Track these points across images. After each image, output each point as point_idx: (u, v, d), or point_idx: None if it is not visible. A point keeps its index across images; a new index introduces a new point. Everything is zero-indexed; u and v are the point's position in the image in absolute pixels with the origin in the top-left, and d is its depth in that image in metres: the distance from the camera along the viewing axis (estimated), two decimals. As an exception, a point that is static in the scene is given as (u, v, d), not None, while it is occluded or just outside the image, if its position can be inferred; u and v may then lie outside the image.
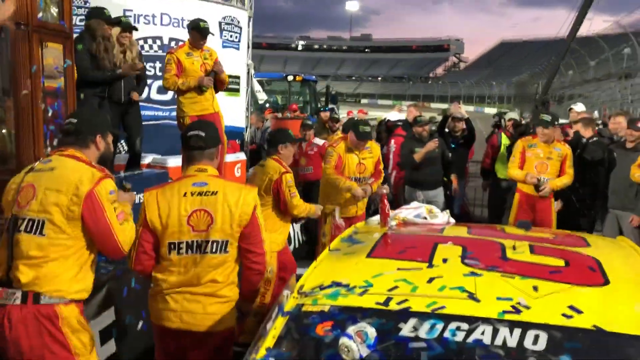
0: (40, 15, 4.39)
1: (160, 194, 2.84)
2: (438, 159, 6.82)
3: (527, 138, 6.06)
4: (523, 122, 10.54)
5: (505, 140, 7.82)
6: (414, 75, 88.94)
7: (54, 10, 4.64)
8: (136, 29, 5.63)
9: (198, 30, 5.53)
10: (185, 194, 2.79)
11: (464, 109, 7.97)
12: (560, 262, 2.44)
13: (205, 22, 5.69)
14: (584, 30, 12.61)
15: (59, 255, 2.60)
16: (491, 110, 33.13)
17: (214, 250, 2.79)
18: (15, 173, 4.19)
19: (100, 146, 2.86)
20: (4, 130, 4.47)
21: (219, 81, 5.71)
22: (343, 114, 14.22)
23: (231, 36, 8.37)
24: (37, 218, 2.60)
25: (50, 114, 4.60)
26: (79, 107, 4.44)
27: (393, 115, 9.18)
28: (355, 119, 9.20)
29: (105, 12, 5.29)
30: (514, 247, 2.61)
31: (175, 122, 5.82)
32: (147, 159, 6.39)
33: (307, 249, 6.75)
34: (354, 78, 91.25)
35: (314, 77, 18.85)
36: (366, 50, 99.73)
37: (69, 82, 4.72)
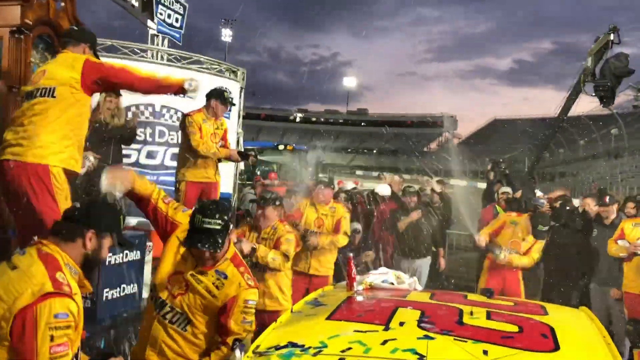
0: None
1: None
2: (423, 229, 6.95)
3: (512, 215, 6.21)
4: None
5: (501, 212, 7.93)
6: (408, 149, 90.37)
7: (46, 75, 4.85)
8: (119, 94, 5.73)
9: (223, 100, 5.57)
10: None
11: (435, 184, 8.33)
12: (514, 328, 2.48)
13: (229, 92, 5.81)
14: (573, 110, 13.08)
15: None
16: (483, 185, 33.66)
17: None
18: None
19: (89, 246, 2.44)
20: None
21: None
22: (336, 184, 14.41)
23: (222, 106, 8.63)
24: None
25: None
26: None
27: (383, 189, 9.35)
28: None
29: None
30: (471, 313, 2.65)
31: (163, 187, 5.92)
32: (133, 221, 6.45)
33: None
34: (349, 150, 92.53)
35: (304, 146, 19.25)
36: (362, 124, 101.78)
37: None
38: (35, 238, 2.43)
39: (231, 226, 2.84)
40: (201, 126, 5.42)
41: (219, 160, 5.74)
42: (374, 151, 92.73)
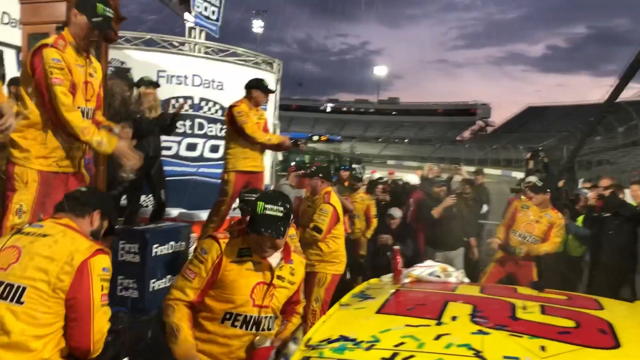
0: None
1: None
2: (457, 219, 6.85)
3: (522, 199, 6.15)
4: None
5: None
6: (440, 138, 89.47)
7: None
8: (158, 85, 5.84)
9: (264, 90, 5.67)
10: None
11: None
12: (571, 323, 2.42)
13: (266, 81, 5.87)
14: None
15: (34, 335, 2.33)
16: (518, 174, 33.00)
17: None
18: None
19: (95, 224, 2.70)
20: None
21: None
22: (369, 174, 14.40)
23: (258, 97, 8.67)
24: (18, 284, 2.36)
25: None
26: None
27: (412, 178, 9.31)
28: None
29: (129, 74, 5.60)
30: (524, 307, 2.60)
31: (202, 178, 6.02)
32: (174, 212, 6.57)
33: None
34: (380, 140, 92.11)
35: (338, 137, 19.20)
36: (393, 113, 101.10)
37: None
38: (41, 215, 2.74)
39: (292, 217, 2.81)
40: (249, 115, 5.52)
41: (268, 148, 5.84)
42: (406, 140, 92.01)
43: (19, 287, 2.35)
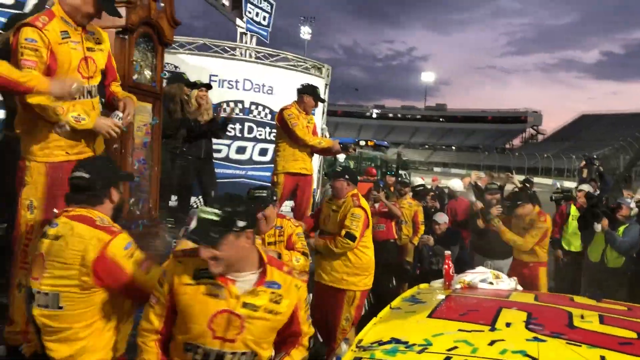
0: (135, 77, 4.85)
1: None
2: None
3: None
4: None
5: (574, 212, 7.57)
6: (489, 145, 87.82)
7: (147, 73, 5.09)
8: (210, 87, 5.97)
9: (316, 97, 5.75)
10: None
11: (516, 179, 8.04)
12: (632, 334, 2.34)
13: (319, 90, 5.95)
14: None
15: (84, 325, 2.40)
16: (571, 184, 32.02)
17: None
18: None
19: (115, 198, 2.61)
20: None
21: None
22: (418, 180, 14.27)
23: (308, 102, 8.76)
24: (51, 292, 2.39)
25: (136, 167, 4.97)
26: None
27: (455, 184, 9.15)
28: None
29: (184, 76, 5.75)
30: (582, 316, 2.53)
31: (251, 181, 6.12)
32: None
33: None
34: (427, 146, 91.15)
35: (385, 142, 19.10)
36: (440, 119, 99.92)
37: (155, 138, 5.11)
38: (56, 211, 2.61)
39: (242, 223, 2.20)
40: (299, 118, 5.59)
41: (317, 152, 5.89)
42: (453, 148, 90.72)
43: (54, 294, 2.38)
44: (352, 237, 4.59)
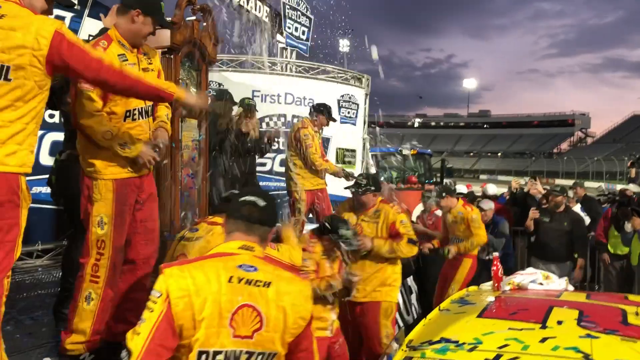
0: (181, 94, 5.02)
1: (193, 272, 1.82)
2: (565, 234, 6.56)
3: None
4: None
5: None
6: (536, 150, 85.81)
7: (192, 91, 5.27)
8: (257, 110, 6.15)
9: (329, 116, 6.04)
10: (230, 279, 1.84)
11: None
12: (690, 330, 2.28)
13: (331, 109, 6.18)
14: None
15: None
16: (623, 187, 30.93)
17: None
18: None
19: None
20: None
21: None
22: (462, 188, 14.10)
23: (348, 112, 8.84)
24: None
25: (185, 182, 5.13)
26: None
27: (491, 189, 9.02)
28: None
29: (230, 95, 5.90)
30: (636, 313, 2.48)
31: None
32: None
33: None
34: (472, 154, 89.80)
35: (428, 150, 18.92)
36: (485, 126, 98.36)
37: (202, 153, 5.26)
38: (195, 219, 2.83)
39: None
40: (314, 138, 5.85)
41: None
42: (499, 154, 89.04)
43: None
44: (415, 242, 4.40)
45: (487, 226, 6.68)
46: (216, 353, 1.75)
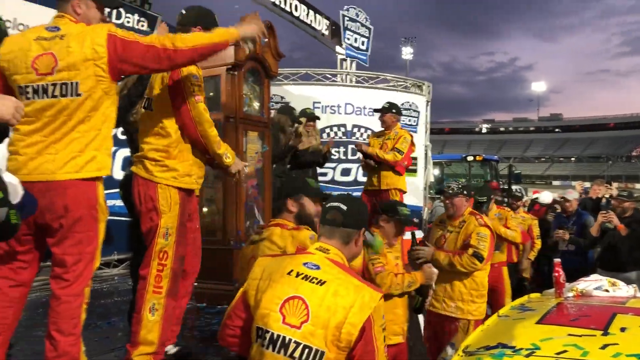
0: (245, 109, 5.22)
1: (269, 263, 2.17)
2: (636, 240, 6.23)
3: None
4: None
5: None
6: (612, 154, 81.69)
7: (256, 105, 5.46)
8: (318, 118, 6.26)
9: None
10: (290, 272, 2.05)
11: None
12: None
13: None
14: None
15: None
16: None
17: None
18: (222, 244, 4.93)
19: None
20: (214, 207, 5.29)
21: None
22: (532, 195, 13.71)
23: (409, 120, 8.83)
24: None
25: (250, 193, 5.31)
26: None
27: (544, 196, 8.70)
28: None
29: (294, 110, 6.05)
30: None
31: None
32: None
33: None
34: (543, 159, 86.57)
35: (495, 156, 18.46)
36: (556, 130, 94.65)
37: (266, 164, 5.43)
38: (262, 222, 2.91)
39: None
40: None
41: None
42: (572, 159, 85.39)
43: None
44: (480, 258, 4.18)
45: (570, 219, 6.48)
46: (266, 332, 1.99)
